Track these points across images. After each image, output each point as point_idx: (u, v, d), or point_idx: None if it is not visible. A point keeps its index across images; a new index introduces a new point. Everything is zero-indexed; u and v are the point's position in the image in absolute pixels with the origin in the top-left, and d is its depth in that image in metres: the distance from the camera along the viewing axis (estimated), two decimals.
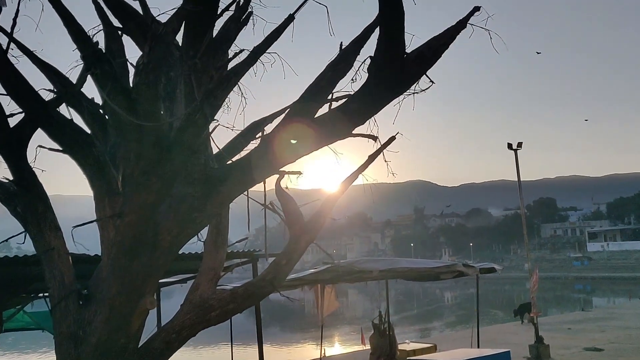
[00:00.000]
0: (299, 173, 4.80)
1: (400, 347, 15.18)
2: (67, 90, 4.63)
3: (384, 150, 4.85)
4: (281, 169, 4.60)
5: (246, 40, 5.33)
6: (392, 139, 4.89)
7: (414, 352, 14.44)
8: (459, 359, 9.33)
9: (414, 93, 4.06)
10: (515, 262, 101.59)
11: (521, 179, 21.32)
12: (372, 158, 4.96)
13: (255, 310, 8.32)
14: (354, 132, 4.33)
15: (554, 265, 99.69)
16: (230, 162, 4.38)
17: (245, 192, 4.83)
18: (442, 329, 44.09)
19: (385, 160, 4.73)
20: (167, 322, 4.82)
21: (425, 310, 64.03)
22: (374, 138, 4.54)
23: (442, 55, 3.94)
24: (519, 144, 21.54)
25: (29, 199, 4.90)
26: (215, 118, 5.41)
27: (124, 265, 3.97)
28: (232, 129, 5.12)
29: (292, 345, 37.86)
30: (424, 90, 4.04)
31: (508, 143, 22.15)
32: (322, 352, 26.45)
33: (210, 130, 4.36)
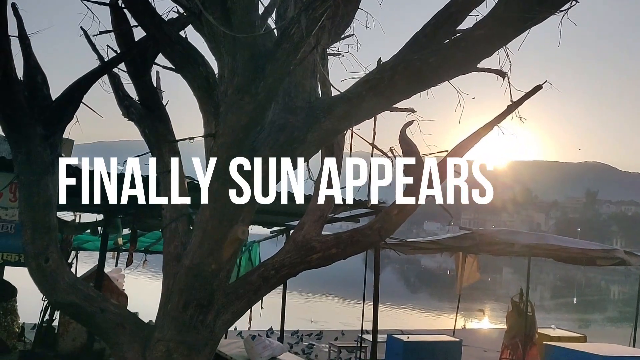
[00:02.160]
0: (412, 110, 4.32)
1: (542, 330, 14.03)
2: (192, 11, 4.56)
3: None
4: (394, 106, 4.15)
5: None
6: (538, 87, 4.19)
7: (558, 339, 13.27)
8: (601, 353, 8.25)
9: (564, 11, 3.31)
10: None
11: None
12: (511, 108, 4.32)
13: (374, 267, 8.04)
14: (479, 66, 3.73)
15: None
16: (338, 93, 4.03)
17: (351, 129, 4.48)
18: (602, 323, 40.71)
19: (518, 115, 4.05)
20: (267, 258, 4.71)
21: (584, 300, 59.59)
22: (502, 74, 3.88)
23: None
24: None
25: (151, 120, 5.00)
26: (340, 52, 5.07)
27: (217, 189, 3.86)
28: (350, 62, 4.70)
29: (438, 312, 37.53)
30: (561, 11, 3.30)
31: None
32: (463, 323, 25.79)
33: (318, 57, 4.04)
